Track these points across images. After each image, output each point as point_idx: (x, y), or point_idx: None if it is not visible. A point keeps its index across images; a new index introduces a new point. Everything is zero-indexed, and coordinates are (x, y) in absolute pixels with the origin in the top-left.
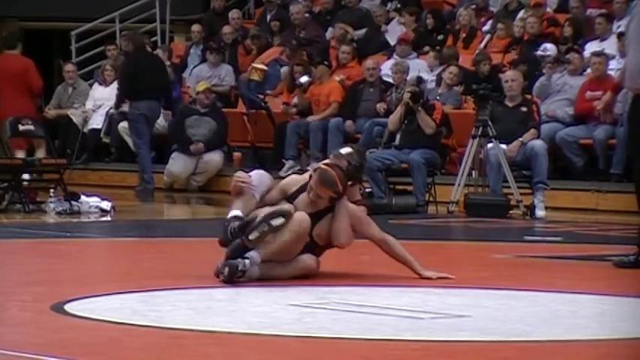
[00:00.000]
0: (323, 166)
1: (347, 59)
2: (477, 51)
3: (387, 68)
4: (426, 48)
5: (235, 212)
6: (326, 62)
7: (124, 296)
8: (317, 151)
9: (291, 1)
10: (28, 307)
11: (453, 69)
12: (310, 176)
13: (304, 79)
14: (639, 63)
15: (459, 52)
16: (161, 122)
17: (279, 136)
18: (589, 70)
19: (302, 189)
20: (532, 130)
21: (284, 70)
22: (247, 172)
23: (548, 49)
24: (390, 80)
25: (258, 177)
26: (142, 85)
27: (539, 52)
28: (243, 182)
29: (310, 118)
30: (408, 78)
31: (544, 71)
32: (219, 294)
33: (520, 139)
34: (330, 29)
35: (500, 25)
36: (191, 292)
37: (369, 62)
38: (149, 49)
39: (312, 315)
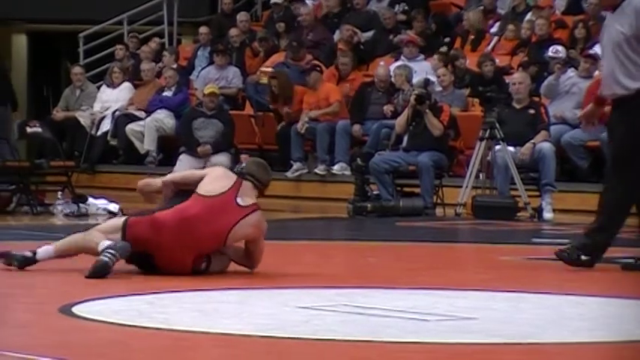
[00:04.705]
0: None
1: (347, 70)
2: (484, 52)
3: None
4: (442, 49)
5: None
6: (318, 68)
7: (130, 298)
8: (324, 153)
9: (297, 3)
10: (35, 309)
11: (441, 71)
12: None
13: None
14: (612, 71)
15: (465, 54)
16: (168, 124)
17: (284, 138)
18: (597, 72)
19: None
20: (543, 132)
21: None
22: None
23: (560, 50)
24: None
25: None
26: None
27: (549, 54)
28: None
29: (313, 113)
30: (415, 80)
31: (553, 72)
32: (227, 296)
33: (532, 141)
34: (337, 32)
35: (510, 27)
36: (198, 294)
37: (381, 71)
38: None
39: (319, 317)
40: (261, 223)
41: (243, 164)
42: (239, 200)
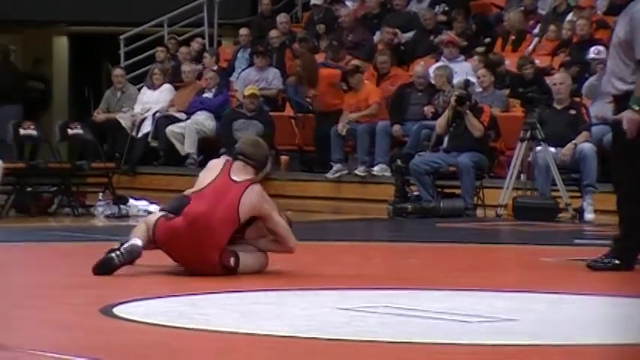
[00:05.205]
0: None
1: (386, 68)
2: (524, 54)
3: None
4: (479, 48)
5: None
6: (360, 69)
7: (171, 299)
8: (364, 154)
9: (337, 5)
10: (78, 310)
11: (481, 71)
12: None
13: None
14: (609, 70)
15: (504, 57)
16: (209, 126)
17: (323, 140)
18: None
19: None
20: (584, 133)
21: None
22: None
23: (601, 51)
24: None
25: None
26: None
27: (591, 55)
28: None
29: (352, 116)
30: (455, 81)
31: (594, 73)
32: (266, 297)
33: (573, 142)
34: (377, 32)
35: (551, 27)
36: (237, 295)
37: (419, 69)
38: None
39: (360, 319)
40: (264, 194)
41: (236, 146)
42: (233, 177)
